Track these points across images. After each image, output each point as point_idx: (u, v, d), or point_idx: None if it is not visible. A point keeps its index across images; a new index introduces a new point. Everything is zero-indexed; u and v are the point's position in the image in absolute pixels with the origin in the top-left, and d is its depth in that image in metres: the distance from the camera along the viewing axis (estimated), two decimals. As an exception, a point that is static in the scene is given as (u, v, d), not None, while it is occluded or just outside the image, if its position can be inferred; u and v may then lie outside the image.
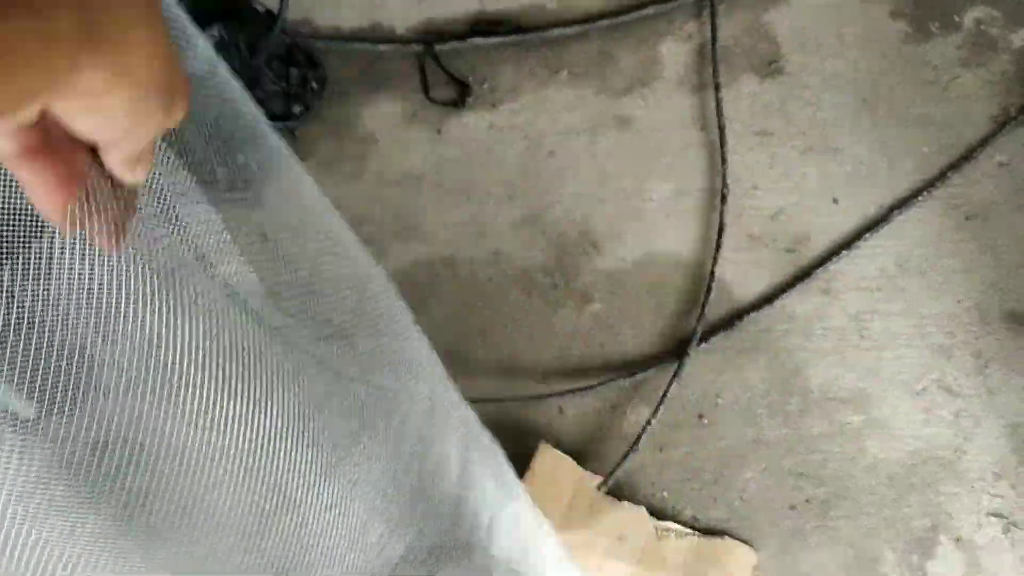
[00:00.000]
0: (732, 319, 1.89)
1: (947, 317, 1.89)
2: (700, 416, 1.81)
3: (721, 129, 2.10)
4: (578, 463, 1.74)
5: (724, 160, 2.06)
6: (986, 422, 1.79)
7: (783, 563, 1.69)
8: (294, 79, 2.05)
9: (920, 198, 2.00)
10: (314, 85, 2.11)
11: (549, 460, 1.72)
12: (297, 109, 2.08)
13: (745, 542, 1.69)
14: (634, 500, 1.74)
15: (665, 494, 1.75)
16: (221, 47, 1.90)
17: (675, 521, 1.72)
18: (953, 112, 2.11)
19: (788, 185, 2.06)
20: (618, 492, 1.75)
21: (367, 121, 2.14)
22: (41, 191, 0.39)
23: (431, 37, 2.21)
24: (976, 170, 2.04)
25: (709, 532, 1.70)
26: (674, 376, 1.79)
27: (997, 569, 1.68)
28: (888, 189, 2.04)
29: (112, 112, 0.34)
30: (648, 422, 1.74)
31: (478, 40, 2.21)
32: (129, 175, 0.41)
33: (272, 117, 1.95)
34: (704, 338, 1.86)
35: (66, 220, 0.39)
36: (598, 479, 1.71)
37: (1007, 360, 1.84)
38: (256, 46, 1.94)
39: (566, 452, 1.77)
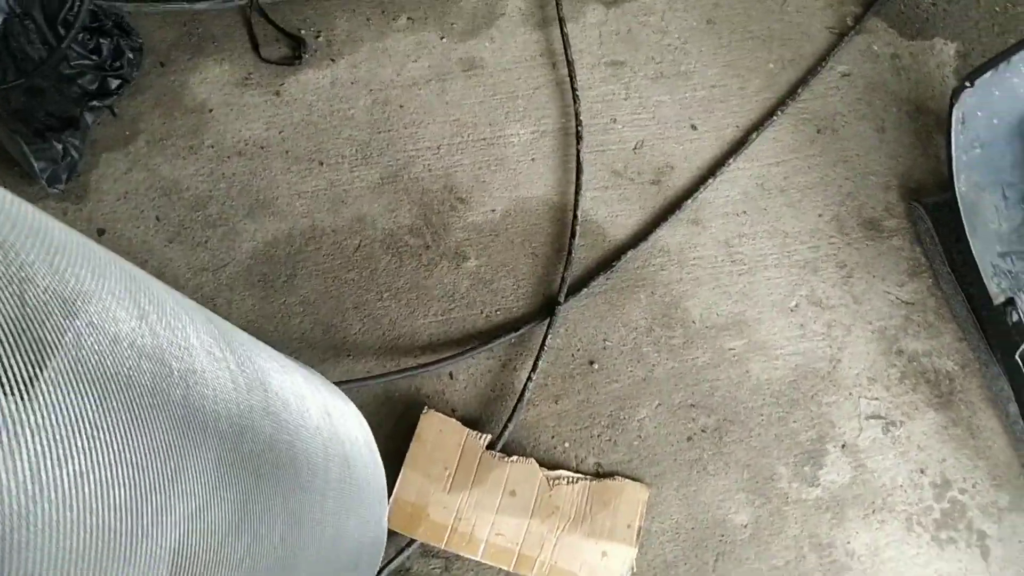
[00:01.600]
0: (609, 260, 1.86)
1: (809, 232, 1.94)
2: (591, 362, 1.79)
3: (570, 64, 2.04)
4: (475, 426, 1.69)
5: (576, 98, 2.01)
6: (855, 329, 1.86)
7: (687, 494, 1.71)
8: (106, 51, 1.82)
9: (774, 117, 2.02)
10: (129, 55, 1.89)
11: (435, 424, 1.66)
12: (114, 84, 1.86)
13: (638, 479, 1.70)
14: (536, 454, 1.70)
15: (567, 444, 1.73)
16: (12, 22, 1.65)
17: (578, 469, 1.70)
18: (793, 27, 2.14)
19: (646, 116, 2.03)
20: (519, 449, 1.71)
21: (196, 89, 1.95)
22: None
23: (254, -11, 2.02)
24: (821, 83, 2.08)
25: (603, 475, 1.70)
26: (548, 330, 1.76)
27: (881, 467, 1.76)
28: (742, 110, 2.05)
29: None
30: (529, 378, 1.70)
31: (307, -11, 2.04)
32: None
33: (87, 96, 1.73)
34: (584, 283, 1.83)
35: None
36: (487, 438, 1.66)
37: (868, 267, 1.91)
38: (56, 18, 1.70)
39: (461, 417, 1.71)
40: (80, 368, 0.56)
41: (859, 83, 2.09)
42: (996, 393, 1.80)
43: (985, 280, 1.77)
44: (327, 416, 1.11)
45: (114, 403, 0.59)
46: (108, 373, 0.59)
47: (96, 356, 0.58)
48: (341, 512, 1.09)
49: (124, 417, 0.59)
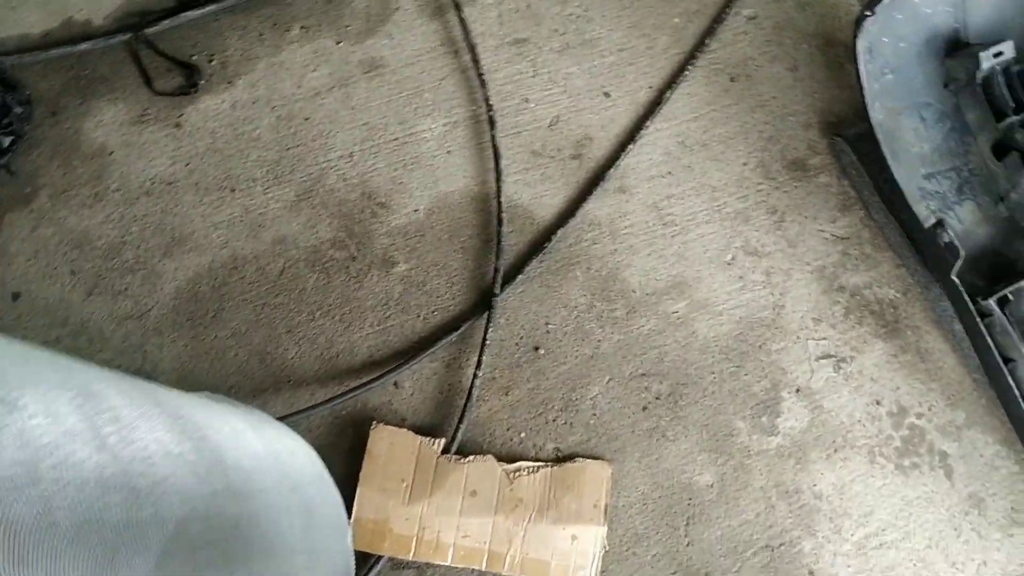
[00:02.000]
0: (540, 242, 1.83)
1: (736, 183, 1.92)
2: (536, 348, 1.77)
3: (473, 49, 2.00)
4: (428, 432, 1.67)
5: (483, 83, 1.97)
6: (794, 273, 1.85)
7: (649, 464, 1.70)
8: (-11, 110, 1.76)
9: (685, 72, 2.00)
10: (18, 109, 1.82)
11: (385, 438, 1.63)
12: (6, 141, 1.80)
13: (599, 458, 1.69)
14: (494, 449, 1.69)
15: (522, 435, 1.71)
16: None
17: (538, 457, 1.69)
18: (692, -24, 2.11)
19: (557, 91, 2.00)
20: (474, 448, 1.69)
21: (93, 134, 1.89)
22: None
23: (136, 21, 1.96)
24: (728, 30, 2.06)
25: (564, 459, 1.68)
26: (487, 323, 1.73)
27: (837, 405, 1.76)
28: (653, 69, 2.02)
29: None
30: (475, 375, 1.68)
31: (191, 13, 1.98)
32: None
33: (-25, 160, 1.67)
34: (518, 270, 1.80)
35: None
36: (441, 442, 1.64)
37: (799, 208, 1.90)
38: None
39: (412, 425, 1.69)
40: (53, 527, 0.53)
41: (766, 24, 2.07)
42: (940, 314, 1.81)
43: (913, 205, 1.77)
44: (281, 466, 1.09)
45: (87, 552, 0.57)
46: (79, 522, 0.56)
47: (65, 509, 0.55)
48: (311, 561, 1.07)
49: (98, 562, 0.57)
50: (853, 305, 1.83)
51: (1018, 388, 1.68)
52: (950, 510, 1.70)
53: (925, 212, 1.79)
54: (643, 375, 1.76)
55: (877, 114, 1.78)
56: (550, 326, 1.78)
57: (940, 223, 1.69)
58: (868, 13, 1.73)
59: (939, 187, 1.84)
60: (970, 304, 1.69)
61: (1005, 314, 1.67)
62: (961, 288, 1.69)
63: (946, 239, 1.67)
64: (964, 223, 1.83)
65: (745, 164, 1.93)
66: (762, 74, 2.01)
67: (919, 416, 1.77)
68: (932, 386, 1.78)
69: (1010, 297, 1.69)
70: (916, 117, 1.84)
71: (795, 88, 1.99)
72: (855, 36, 1.73)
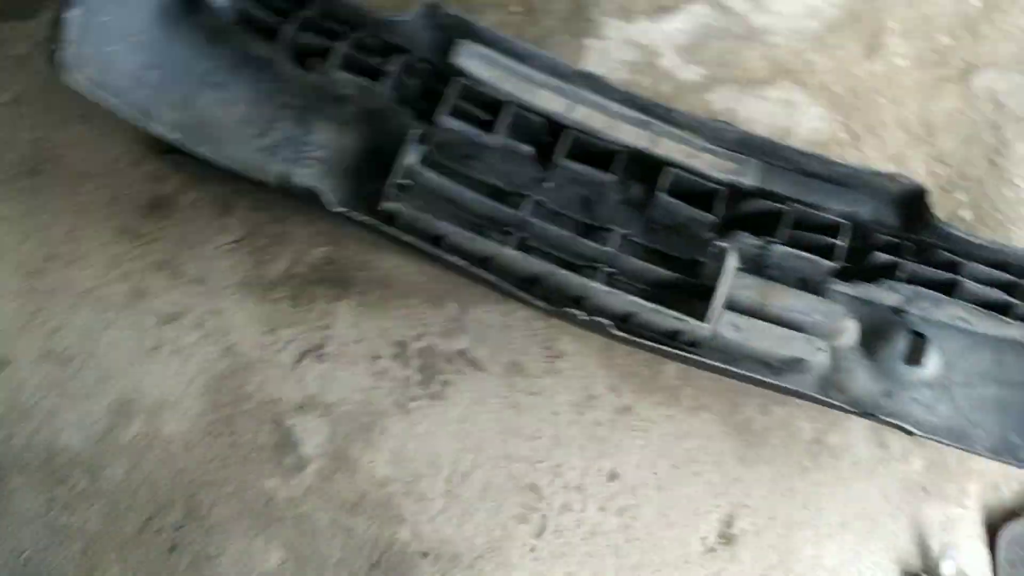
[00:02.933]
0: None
1: (109, 267, 1.72)
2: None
3: None
4: None
5: None
6: (223, 305, 1.69)
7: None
8: None
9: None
10: None
11: None
12: None
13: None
14: None
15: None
16: None
17: None
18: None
19: None
20: None
21: None
22: None
23: None
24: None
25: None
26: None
27: (342, 390, 1.64)
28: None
29: None
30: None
31: None
32: None
33: None
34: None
35: None
36: None
37: (184, 243, 1.74)
38: None
39: None
40: None
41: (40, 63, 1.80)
42: (376, 240, 1.68)
43: (259, 175, 1.61)
44: None
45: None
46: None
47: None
48: None
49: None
50: (294, 289, 1.68)
51: (468, 257, 1.59)
52: (499, 395, 1.64)
53: (278, 169, 1.63)
54: (149, 519, 1.54)
55: (168, 118, 1.59)
56: (24, 556, 1.51)
57: (282, 179, 1.53)
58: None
59: (282, 134, 1.69)
60: (381, 224, 1.57)
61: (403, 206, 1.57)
62: (355, 214, 1.55)
63: (300, 186, 1.52)
64: (328, 146, 1.70)
65: (104, 243, 1.70)
66: (61, 141, 1.76)
67: (419, 338, 1.67)
68: (412, 303, 1.68)
69: (405, 183, 1.58)
70: (208, 89, 1.66)
71: (103, 136, 1.76)
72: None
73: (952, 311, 1.58)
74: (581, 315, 1.47)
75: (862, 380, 1.62)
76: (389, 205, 1.58)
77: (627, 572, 1.56)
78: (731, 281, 1.58)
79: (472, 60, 1.65)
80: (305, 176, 1.64)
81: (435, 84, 1.63)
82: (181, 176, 1.74)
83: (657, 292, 1.62)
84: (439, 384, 1.64)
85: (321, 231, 1.71)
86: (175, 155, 1.72)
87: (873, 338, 1.64)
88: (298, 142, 1.68)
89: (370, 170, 1.67)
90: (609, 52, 1.88)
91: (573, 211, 1.71)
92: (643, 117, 1.65)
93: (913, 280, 1.56)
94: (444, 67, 1.65)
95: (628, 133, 1.65)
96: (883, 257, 1.57)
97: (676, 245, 1.68)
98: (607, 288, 1.55)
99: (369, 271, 1.69)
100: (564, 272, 1.55)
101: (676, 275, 1.62)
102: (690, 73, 1.89)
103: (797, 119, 1.85)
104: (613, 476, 1.61)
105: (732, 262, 1.59)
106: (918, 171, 1.81)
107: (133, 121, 1.53)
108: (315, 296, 1.68)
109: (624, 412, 1.64)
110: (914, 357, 1.60)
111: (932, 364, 1.60)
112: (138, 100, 1.57)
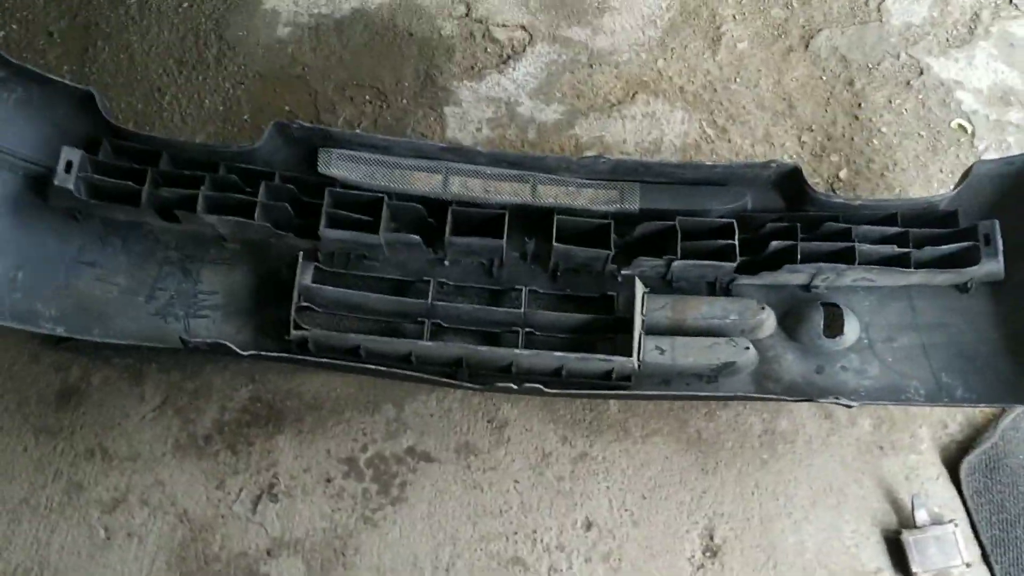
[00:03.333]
0: None
1: (33, 473, 1.66)
2: None
3: None
4: None
5: None
6: (165, 477, 1.65)
7: None
8: None
9: None
10: None
11: None
12: None
13: None
14: None
15: None
16: None
17: None
18: None
19: None
20: None
21: None
22: None
23: None
24: None
25: None
26: None
27: (307, 521, 1.62)
28: None
29: None
30: None
31: None
32: None
33: None
34: None
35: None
36: None
37: (104, 428, 1.68)
38: None
39: None
40: None
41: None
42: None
43: (157, 342, 1.58)
44: None
45: None
46: None
47: None
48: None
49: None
50: (229, 438, 1.67)
51: (388, 359, 1.59)
52: (458, 480, 1.67)
53: (176, 329, 1.62)
54: None
55: (50, 313, 1.56)
56: None
57: (184, 342, 1.51)
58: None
59: (170, 291, 1.67)
60: (295, 355, 1.56)
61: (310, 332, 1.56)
62: (266, 354, 1.54)
63: (203, 341, 1.50)
64: (219, 290, 1.69)
65: (26, 448, 1.67)
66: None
67: (365, 449, 1.68)
68: (347, 416, 1.69)
69: (306, 306, 1.58)
70: (82, 269, 1.64)
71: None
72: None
73: (854, 275, 1.64)
74: (513, 387, 1.49)
75: (791, 364, 1.67)
76: (297, 334, 1.57)
77: (629, 613, 1.58)
78: (644, 306, 1.61)
79: (337, 166, 1.66)
80: (206, 328, 1.63)
81: (308, 197, 1.63)
82: (83, 360, 1.70)
83: (577, 337, 1.65)
84: (397, 487, 1.64)
85: (238, 373, 1.70)
86: (70, 341, 1.69)
87: (791, 321, 1.69)
88: (188, 295, 1.67)
89: (268, 299, 1.67)
90: (468, 114, 1.90)
91: (475, 280, 1.73)
92: (517, 172, 1.68)
93: (811, 258, 1.61)
94: (312, 179, 1.65)
95: (507, 191, 1.67)
96: (778, 244, 1.61)
97: (582, 286, 1.71)
98: (530, 351, 1.57)
99: (297, 398, 1.68)
100: (485, 348, 1.56)
101: (591, 316, 1.65)
102: (551, 113, 1.92)
103: (663, 129, 1.90)
104: (589, 525, 1.63)
105: (640, 289, 1.62)
106: (788, 145, 1.87)
107: (17, 327, 1.50)
108: (252, 438, 1.67)
109: (581, 459, 1.66)
110: (832, 329, 1.65)
111: (851, 330, 1.66)
112: (14, 306, 1.54)
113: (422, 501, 1.64)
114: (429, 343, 1.56)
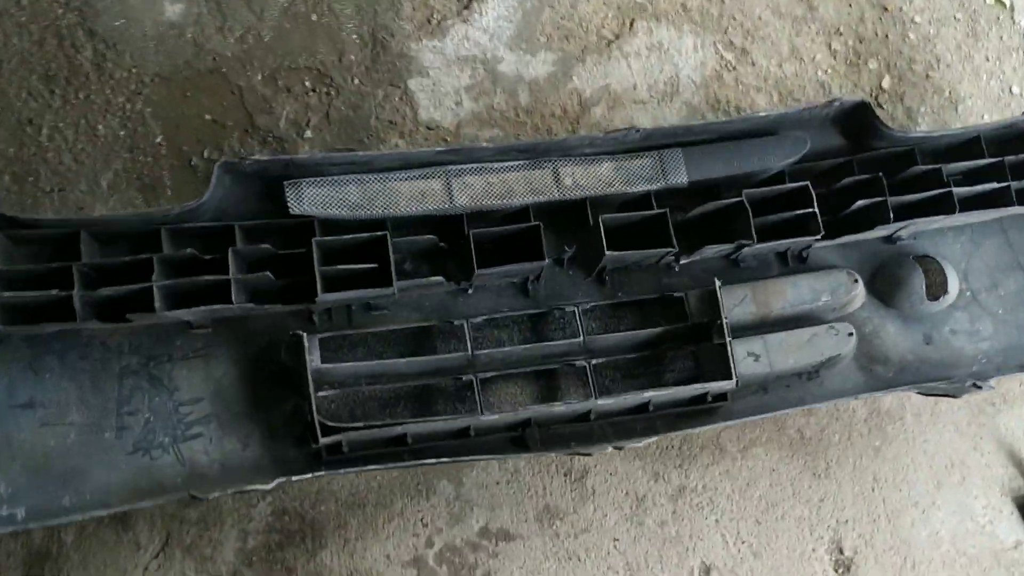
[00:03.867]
0: None
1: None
2: None
3: None
4: None
5: None
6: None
7: None
8: None
9: None
10: None
11: None
12: None
13: None
14: None
15: None
16: None
17: None
18: None
19: None
20: None
21: None
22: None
23: None
24: None
25: None
26: None
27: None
28: None
29: None
30: None
31: None
32: None
33: None
34: None
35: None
36: None
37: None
38: None
39: None
40: None
41: None
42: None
43: (157, 496, 1.23)
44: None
45: None
46: None
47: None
48: None
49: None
50: (262, 567, 1.34)
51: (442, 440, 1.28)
52: (548, 554, 1.41)
53: (166, 462, 1.27)
54: None
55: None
56: None
57: (194, 496, 1.16)
58: None
59: (144, 412, 1.30)
60: (333, 471, 1.24)
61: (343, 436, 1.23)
62: (297, 477, 1.21)
63: (202, 498, 1.16)
64: (203, 394, 1.33)
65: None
66: None
67: (430, 543, 1.38)
68: (398, 508, 1.37)
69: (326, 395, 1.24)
70: (20, 417, 1.24)
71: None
72: None
73: (945, 221, 1.41)
74: (606, 447, 1.22)
75: (895, 337, 1.45)
76: (327, 440, 1.24)
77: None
78: (728, 312, 1.34)
79: (312, 201, 1.29)
80: (203, 452, 1.28)
81: (286, 249, 1.27)
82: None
83: (648, 356, 1.37)
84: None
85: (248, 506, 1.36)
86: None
87: (882, 284, 1.46)
88: (167, 412, 1.31)
89: (264, 389, 1.33)
90: (440, 85, 1.53)
91: (510, 305, 1.41)
92: (531, 160, 1.35)
93: (905, 213, 1.37)
94: (285, 222, 1.28)
95: (524, 188, 1.35)
96: (864, 202, 1.36)
97: (636, 285, 1.43)
98: (607, 400, 1.29)
99: (331, 499, 1.38)
100: (559, 405, 1.27)
101: (660, 328, 1.37)
102: (539, 65, 1.56)
103: (676, 63, 1.58)
104: (707, 570, 1.41)
105: (717, 288, 1.35)
106: (820, 58, 1.60)
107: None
108: (291, 563, 1.36)
109: (680, 494, 1.43)
110: (934, 289, 1.43)
111: (952, 285, 1.44)
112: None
113: (512, 586, 1.38)
114: (494, 416, 1.26)
